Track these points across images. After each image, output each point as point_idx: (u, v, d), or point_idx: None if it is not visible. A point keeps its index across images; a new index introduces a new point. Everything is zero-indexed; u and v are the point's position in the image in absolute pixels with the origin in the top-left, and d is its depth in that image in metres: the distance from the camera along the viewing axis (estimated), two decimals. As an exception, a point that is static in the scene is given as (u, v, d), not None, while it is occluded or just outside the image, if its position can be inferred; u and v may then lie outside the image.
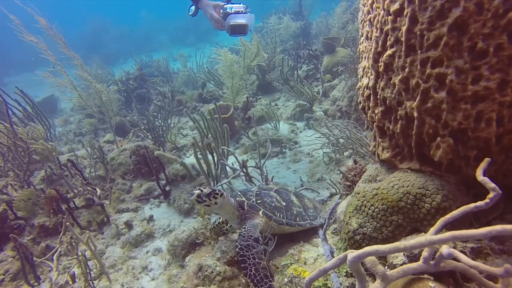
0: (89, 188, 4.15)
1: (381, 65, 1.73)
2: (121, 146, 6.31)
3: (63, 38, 5.34)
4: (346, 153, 4.89)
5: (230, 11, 3.09)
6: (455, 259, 1.27)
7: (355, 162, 3.01)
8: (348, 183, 2.91)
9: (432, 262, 1.29)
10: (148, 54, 14.14)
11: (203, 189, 2.61)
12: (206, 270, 2.51)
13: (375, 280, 1.25)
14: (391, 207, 1.72)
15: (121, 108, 7.26)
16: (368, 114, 1.96)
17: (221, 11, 3.19)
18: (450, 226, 1.50)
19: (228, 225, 3.50)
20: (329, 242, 2.80)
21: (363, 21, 2.17)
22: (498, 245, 1.53)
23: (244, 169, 3.79)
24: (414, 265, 1.27)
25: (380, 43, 1.71)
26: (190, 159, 5.72)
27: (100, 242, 4.00)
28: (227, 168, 4.45)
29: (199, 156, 4.37)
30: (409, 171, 1.80)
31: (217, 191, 2.64)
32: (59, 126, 9.59)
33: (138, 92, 9.22)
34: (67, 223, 2.89)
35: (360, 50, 2.18)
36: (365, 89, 1.98)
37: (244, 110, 7.43)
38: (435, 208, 1.63)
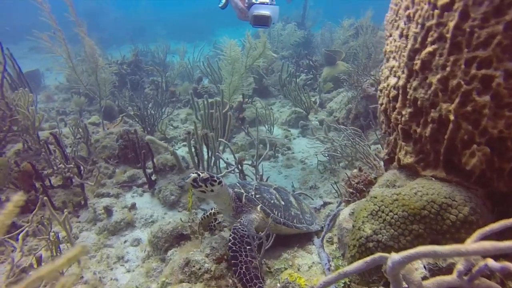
0: (71, 165, 3.85)
1: (417, 63, 1.62)
2: (108, 129, 6.00)
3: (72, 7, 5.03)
4: (341, 164, 4.80)
5: (255, 1, 2.97)
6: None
7: (359, 169, 2.90)
8: (351, 190, 2.79)
9: (466, 278, 1.16)
10: (145, 44, 13.82)
11: (200, 173, 2.42)
12: (194, 266, 2.30)
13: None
14: (413, 215, 1.60)
15: (114, 90, 6.94)
16: (392, 116, 1.85)
17: (246, 1, 3.06)
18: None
19: (216, 222, 3.30)
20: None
21: (393, 21, 2.07)
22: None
23: (239, 166, 3.61)
24: (448, 278, 1.14)
25: (419, 39, 1.61)
26: (179, 152, 5.48)
27: (74, 226, 3.69)
28: (222, 163, 4.26)
29: (193, 146, 4.16)
30: (433, 179, 1.69)
31: (215, 178, 2.46)
32: (41, 102, 9.13)
33: (131, 79, 8.92)
34: (45, 198, 2.63)
35: (387, 51, 2.08)
36: (392, 89, 1.87)
37: (238, 110, 7.27)
38: (461, 221, 1.51)
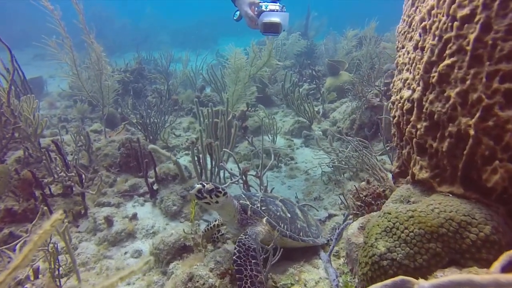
0: (73, 173, 3.78)
1: (434, 76, 1.58)
2: (110, 137, 5.95)
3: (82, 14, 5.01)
4: (346, 175, 4.73)
5: (264, 9, 2.94)
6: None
7: (367, 182, 2.83)
8: (359, 203, 2.71)
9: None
10: (148, 52, 13.88)
11: (205, 184, 2.36)
12: (198, 281, 2.22)
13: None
14: (430, 233, 1.53)
15: (117, 98, 6.91)
16: (406, 130, 1.79)
17: (256, 9, 3.04)
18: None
19: (220, 234, 3.23)
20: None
21: (406, 32, 2.03)
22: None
23: (243, 177, 3.54)
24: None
25: (436, 52, 1.56)
26: (181, 161, 5.42)
27: (74, 236, 3.61)
28: (226, 173, 4.19)
29: (196, 156, 4.10)
30: (450, 195, 1.63)
31: (220, 189, 2.40)
32: (43, 109, 9.11)
33: (134, 87, 8.91)
34: (44, 208, 2.55)
35: (400, 62, 2.04)
36: (406, 102, 1.82)
37: (241, 119, 7.23)
38: (482, 240, 1.44)
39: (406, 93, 1.82)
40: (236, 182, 3.58)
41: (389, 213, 1.70)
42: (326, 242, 2.96)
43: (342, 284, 2.28)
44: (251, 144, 4.59)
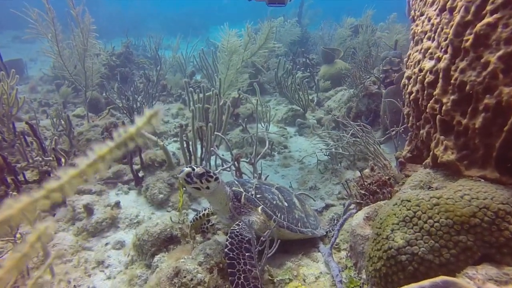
0: (51, 158, 3.45)
1: (468, 39, 1.34)
2: (93, 122, 5.59)
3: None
4: (343, 164, 4.52)
5: None
6: None
7: (371, 169, 2.60)
8: (363, 192, 2.49)
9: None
10: (137, 38, 13.36)
11: (195, 167, 2.09)
12: (185, 276, 1.96)
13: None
14: (459, 223, 1.30)
15: (102, 81, 6.51)
16: (428, 106, 1.55)
17: None
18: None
19: (210, 224, 2.97)
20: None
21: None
22: None
23: (236, 163, 3.28)
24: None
25: (472, 9, 1.32)
26: (169, 148, 5.12)
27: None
28: (217, 160, 3.91)
29: (184, 141, 3.81)
30: (482, 180, 1.41)
31: (211, 173, 2.14)
32: (23, 93, 8.62)
33: (120, 71, 8.48)
34: (14, 194, 2.25)
35: (418, 31, 1.79)
36: (428, 75, 1.58)
37: (233, 106, 6.94)
38: (523, 232, 1.22)
39: (428, 64, 1.57)
40: (228, 169, 3.31)
41: (408, 201, 1.47)
42: (325, 233, 2.74)
43: (346, 280, 2.06)
44: (245, 129, 4.31)
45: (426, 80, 1.58)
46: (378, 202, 2.21)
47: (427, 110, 1.57)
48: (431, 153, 1.60)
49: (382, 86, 5.47)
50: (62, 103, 6.84)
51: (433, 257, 1.33)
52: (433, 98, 1.53)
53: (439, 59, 1.52)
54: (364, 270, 1.97)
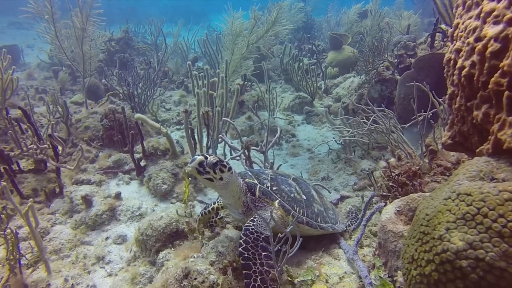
0: (46, 145, 3.21)
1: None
2: (92, 108, 5.33)
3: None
4: (357, 153, 4.27)
5: None
6: None
7: (399, 158, 2.35)
8: (391, 183, 2.24)
9: None
10: (136, 25, 12.96)
11: (208, 155, 1.85)
12: (196, 278, 1.73)
13: None
14: (540, 223, 1.05)
15: (101, 66, 6.21)
16: (492, 80, 1.28)
17: None
18: None
19: (218, 217, 2.73)
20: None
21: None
22: None
23: (246, 151, 3.03)
24: None
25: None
26: (172, 136, 4.87)
27: (45, 218, 3.08)
28: (223, 148, 3.66)
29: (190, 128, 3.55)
30: None
31: (225, 163, 1.90)
32: (19, 80, 8.33)
33: (120, 57, 8.17)
34: (3, 184, 2.01)
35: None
36: (492, 43, 1.31)
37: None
38: None
39: (491, 30, 1.31)
40: (238, 158, 3.07)
41: (469, 195, 1.22)
42: (345, 228, 2.51)
43: (376, 281, 1.83)
44: (256, 114, 4.05)
45: (489, 49, 1.32)
46: (411, 195, 1.97)
47: (489, 86, 1.32)
48: (492, 138, 1.35)
49: (396, 72, 5.17)
50: (60, 90, 6.55)
51: (507, 265, 1.09)
52: (499, 71, 1.27)
53: (509, 22, 1.25)
54: (400, 272, 1.74)
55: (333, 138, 4.39)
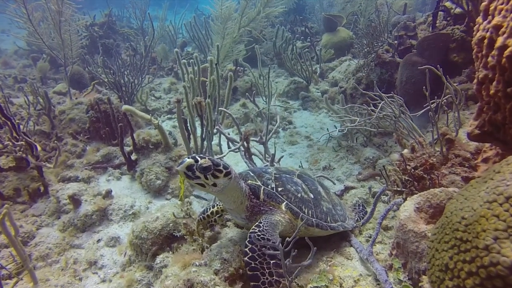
0: (22, 142, 2.94)
1: None
2: (76, 99, 5.00)
3: None
4: (359, 140, 4.10)
5: None
6: None
7: (412, 149, 2.17)
8: (406, 177, 2.07)
9: None
10: (120, 9, 12.34)
11: (199, 158, 1.62)
12: (200, 291, 1.55)
13: None
14: None
15: (83, 52, 5.83)
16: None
17: None
18: None
19: (217, 215, 2.53)
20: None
21: None
22: None
23: (245, 143, 2.82)
24: None
25: None
26: (163, 126, 4.61)
27: (30, 221, 2.85)
28: (219, 139, 3.44)
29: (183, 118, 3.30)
30: None
31: (221, 167, 1.67)
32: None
33: (104, 42, 7.73)
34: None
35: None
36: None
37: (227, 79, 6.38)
38: None
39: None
40: (237, 150, 2.86)
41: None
42: (355, 225, 2.35)
43: (396, 283, 1.68)
44: (253, 103, 3.82)
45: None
46: (431, 190, 1.80)
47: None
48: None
49: (396, 54, 4.97)
50: (41, 79, 6.16)
51: None
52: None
53: None
54: (425, 277, 1.59)
55: (334, 125, 4.19)
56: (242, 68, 7.08)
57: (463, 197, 1.36)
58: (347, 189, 3.13)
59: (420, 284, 1.58)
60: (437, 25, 4.62)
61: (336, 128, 4.23)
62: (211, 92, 3.45)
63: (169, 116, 5.44)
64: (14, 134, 3.05)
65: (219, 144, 3.57)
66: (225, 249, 1.81)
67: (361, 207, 2.68)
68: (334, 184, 3.23)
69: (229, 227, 2.52)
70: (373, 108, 2.93)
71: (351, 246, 2.17)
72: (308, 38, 8.82)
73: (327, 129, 4.56)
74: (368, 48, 5.31)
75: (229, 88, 3.46)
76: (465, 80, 3.63)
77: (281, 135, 4.97)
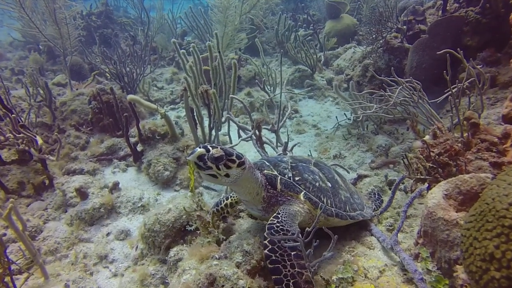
0: (23, 134, 2.83)
1: None
2: (77, 89, 4.87)
3: None
4: (370, 127, 4.00)
5: None
6: None
7: (434, 135, 2.08)
8: (430, 164, 1.99)
9: None
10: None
11: (210, 147, 1.53)
12: (223, 286, 1.48)
13: None
14: None
15: (81, 41, 5.66)
16: None
17: None
18: None
19: (231, 207, 2.44)
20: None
21: None
22: None
23: (257, 131, 2.72)
24: None
25: None
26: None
27: (37, 214, 2.76)
28: (228, 128, 3.34)
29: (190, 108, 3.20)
30: None
31: (234, 156, 1.58)
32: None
33: (102, 32, 7.56)
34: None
35: None
36: None
37: (231, 68, 6.25)
38: None
39: None
40: (249, 139, 2.76)
41: None
42: (373, 214, 2.27)
43: (429, 277, 1.61)
44: (264, 90, 3.71)
45: None
46: (460, 176, 1.72)
47: None
48: None
49: (405, 40, 4.84)
50: (39, 70, 6.01)
51: None
52: None
53: None
54: (459, 267, 1.52)
55: (344, 113, 4.09)
56: (245, 56, 6.93)
57: (506, 183, 1.27)
58: (361, 177, 3.05)
59: (454, 274, 1.51)
60: (447, 8, 4.48)
61: (346, 116, 4.13)
62: (215, 80, 3.33)
63: (172, 106, 5.32)
64: (16, 126, 2.94)
65: (228, 134, 3.47)
66: (245, 241, 1.73)
67: (376, 196, 2.60)
68: (348, 172, 3.15)
69: (242, 218, 2.44)
70: (390, 93, 2.83)
71: (372, 235, 2.10)
72: (311, 25, 8.65)
73: (336, 117, 4.47)
74: (375, 35, 5.17)
75: (234, 76, 3.35)
76: (480, 64, 3.53)
77: (287, 124, 4.87)
